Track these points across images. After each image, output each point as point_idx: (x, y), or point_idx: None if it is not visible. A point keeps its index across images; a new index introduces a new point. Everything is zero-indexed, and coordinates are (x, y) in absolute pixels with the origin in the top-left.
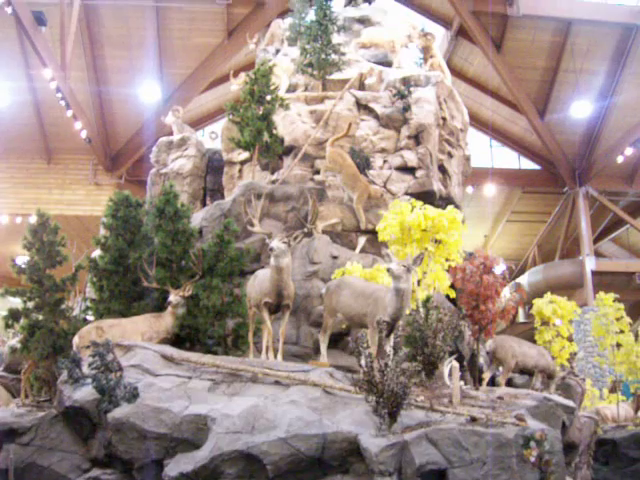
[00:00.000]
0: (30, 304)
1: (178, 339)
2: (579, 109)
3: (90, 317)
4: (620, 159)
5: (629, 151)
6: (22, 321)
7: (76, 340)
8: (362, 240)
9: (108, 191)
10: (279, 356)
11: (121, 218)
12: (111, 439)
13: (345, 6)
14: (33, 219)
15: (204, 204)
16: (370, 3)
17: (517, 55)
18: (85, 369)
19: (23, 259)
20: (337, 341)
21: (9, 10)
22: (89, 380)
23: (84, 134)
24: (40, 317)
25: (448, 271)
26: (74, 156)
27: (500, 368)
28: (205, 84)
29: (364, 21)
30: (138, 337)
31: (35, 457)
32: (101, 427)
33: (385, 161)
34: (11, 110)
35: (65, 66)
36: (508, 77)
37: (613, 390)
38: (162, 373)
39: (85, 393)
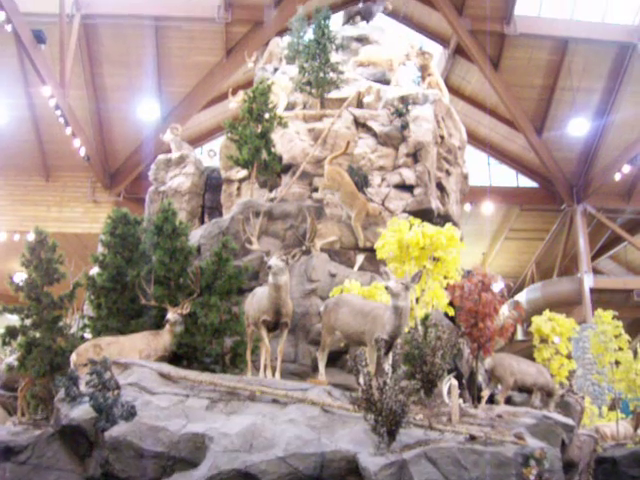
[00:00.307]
0: (28, 321)
1: (176, 357)
2: (576, 127)
3: (88, 335)
4: (618, 176)
5: (627, 168)
6: (19, 338)
7: (74, 358)
8: (360, 258)
9: (106, 209)
10: (277, 374)
11: (119, 236)
12: (108, 458)
13: (343, 25)
14: (31, 236)
15: (202, 222)
16: (368, 22)
17: (514, 73)
18: (82, 387)
19: (21, 276)
20: (335, 359)
21: (9, 28)
22: (86, 398)
23: (83, 152)
24: (37, 334)
25: (446, 289)
26: (72, 173)
27: (499, 386)
28: (204, 102)
29: (362, 40)
30: (136, 355)
31: (31, 476)
32: (98, 446)
33: (383, 179)
34: (10, 127)
35: (64, 84)
36: (505, 95)
37: (612, 408)
38: (160, 391)
39: (82, 411)
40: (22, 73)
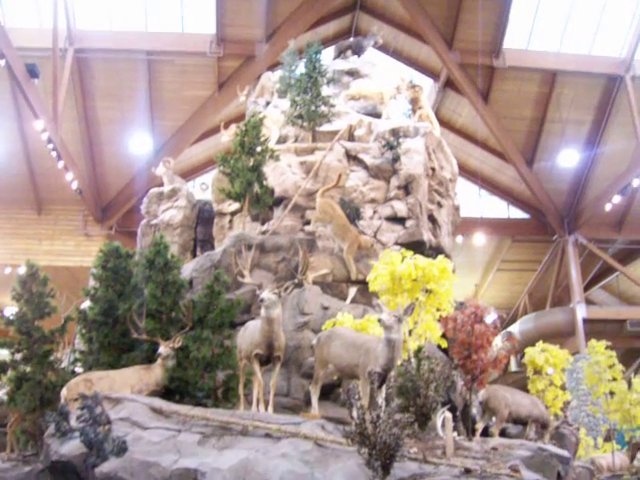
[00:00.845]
0: (18, 356)
1: (168, 391)
2: (566, 158)
3: (79, 369)
4: (608, 207)
5: (617, 199)
6: (9, 373)
7: (64, 392)
8: (353, 290)
9: (98, 242)
10: (270, 408)
11: (111, 269)
12: None
13: (334, 59)
14: (22, 270)
15: (194, 255)
16: (359, 56)
17: (504, 106)
18: (73, 422)
19: (12, 310)
20: (328, 392)
21: (2, 62)
22: (77, 433)
23: (75, 185)
24: (28, 369)
25: (439, 321)
26: (64, 207)
27: (493, 418)
28: (196, 136)
29: (353, 73)
30: (127, 389)
31: None
32: None
33: (375, 211)
34: (2, 160)
35: (57, 117)
36: (496, 127)
37: (608, 439)
38: (151, 426)
39: (72, 447)
40: (15, 107)
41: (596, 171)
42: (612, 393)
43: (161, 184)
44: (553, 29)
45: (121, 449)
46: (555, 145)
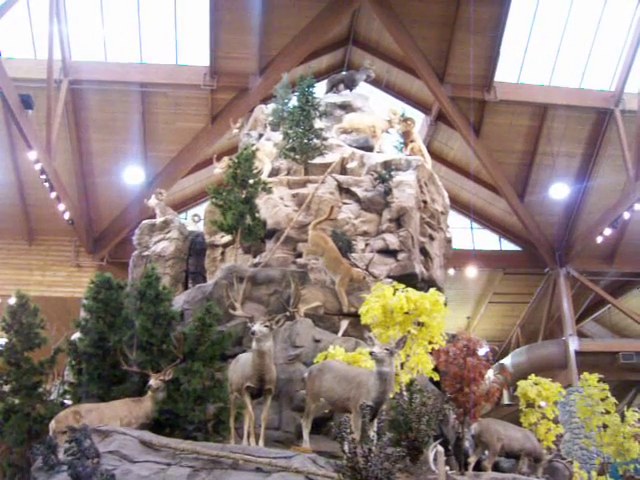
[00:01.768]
0: (6, 387)
1: (158, 424)
2: (557, 191)
3: (68, 401)
4: (599, 239)
5: (608, 231)
6: None
7: (53, 425)
8: (344, 323)
9: (90, 273)
10: (261, 442)
11: (102, 300)
12: None
13: (327, 92)
14: (12, 300)
15: (186, 287)
16: (351, 89)
17: (496, 139)
18: (61, 455)
19: (1, 341)
20: (320, 426)
21: None
22: (65, 467)
23: (67, 215)
24: (16, 401)
25: (431, 354)
26: (56, 237)
27: (486, 452)
28: (188, 167)
29: (346, 107)
30: (117, 422)
31: None
32: None
33: (367, 244)
34: None
35: (50, 149)
36: (487, 161)
37: (601, 472)
38: (140, 459)
39: None
40: (8, 137)
41: (587, 204)
42: (605, 426)
43: (153, 216)
44: (544, 63)
45: None
46: (546, 178)
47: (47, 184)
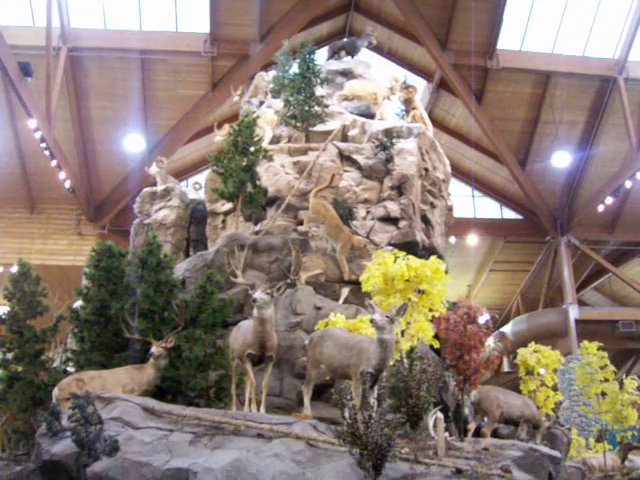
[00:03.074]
0: (9, 355)
1: (160, 391)
2: (559, 159)
3: (71, 369)
4: (601, 208)
5: (609, 200)
6: (1, 372)
7: (56, 392)
8: (345, 291)
9: (91, 241)
10: (262, 408)
11: (103, 268)
12: None
13: (328, 59)
14: (14, 269)
15: (187, 255)
16: (353, 56)
17: (498, 107)
18: (64, 422)
19: (3, 309)
20: (321, 393)
21: None
22: (68, 433)
23: (68, 184)
24: (19, 368)
25: (432, 321)
26: (57, 206)
27: (485, 419)
28: (189, 135)
29: (347, 74)
30: (119, 389)
31: None
32: None
33: (368, 212)
34: None
35: (50, 116)
36: (489, 128)
37: (599, 439)
38: (143, 426)
39: (64, 447)
40: (8, 106)
41: (589, 172)
42: (604, 394)
43: (154, 183)
44: (547, 30)
45: (113, 449)
46: (548, 146)
47: (47, 152)
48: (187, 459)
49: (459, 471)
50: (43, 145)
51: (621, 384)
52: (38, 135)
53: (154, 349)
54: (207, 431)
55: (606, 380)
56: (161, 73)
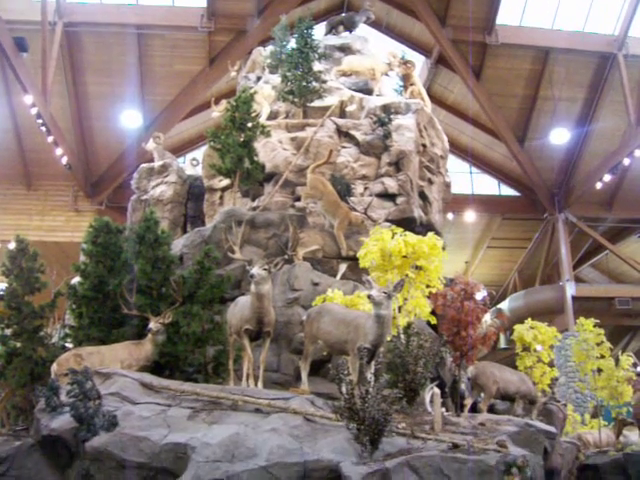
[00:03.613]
0: (8, 331)
1: (158, 367)
2: (558, 136)
3: (69, 344)
4: (599, 185)
5: (607, 177)
6: None
7: (54, 368)
8: (343, 267)
9: (88, 217)
10: (260, 383)
11: (101, 245)
12: (89, 468)
13: (326, 34)
14: (12, 245)
15: (185, 231)
16: (351, 31)
17: (496, 83)
18: (63, 397)
19: (1, 286)
20: (318, 368)
21: None
22: (67, 408)
23: (65, 160)
24: (18, 344)
25: (429, 297)
26: (54, 182)
27: (481, 394)
28: (186, 111)
29: (345, 49)
30: (117, 365)
31: None
32: (79, 456)
33: (366, 188)
34: None
35: (46, 92)
36: (487, 105)
37: (595, 415)
38: (141, 401)
39: (63, 422)
40: (3, 81)
41: (587, 149)
42: (600, 370)
43: (151, 159)
44: (546, 6)
45: (111, 424)
46: (547, 123)
47: (44, 128)
48: (185, 434)
49: (455, 446)
50: (39, 121)
51: (617, 361)
52: (34, 111)
53: (152, 325)
54: (205, 406)
55: (602, 357)
56: (158, 48)
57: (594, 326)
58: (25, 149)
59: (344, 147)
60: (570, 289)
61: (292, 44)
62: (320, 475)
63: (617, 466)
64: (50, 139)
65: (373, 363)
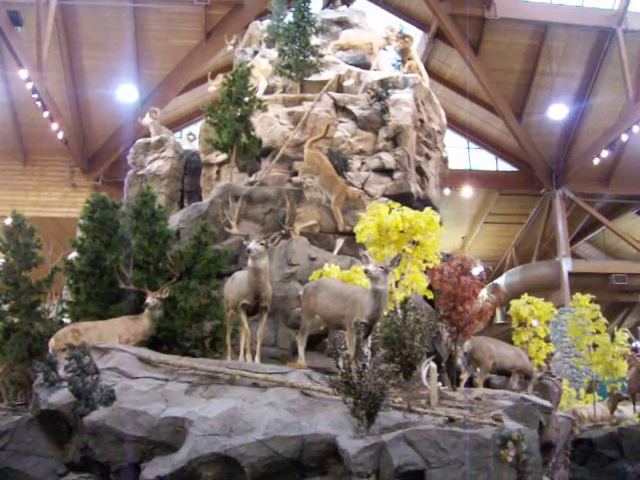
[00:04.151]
0: (5, 307)
1: (155, 341)
2: (556, 112)
3: (66, 320)
4: (596, 161)
5: (605, 153)
6: None
7: (52, 343)
8: (340, 242)
9: (85, 193)
10: (257, 358)
11: (98, 220)
12: (87, 443)
13: (323, 8)
14: (8, 221)
15: (182, 206)
16: (348, 5)
17: (494, 58)
18: (61, 372)
19: None
20: (315, 343)
21: None
22: (65, 383)
23: (61, 135)
24: (15, 320)
25: (426, 272)
26: (51, 157)
27: (478, 369)
28: (183, 85)
29: (342, 23)
30: (115, 340)
31: (10, 461)
32: (77, 431)
33: (363, 163)
34: None
35: (41, 67)
36: (485, 80)
37: (590, 390)
38: (139, 376)
39: (61, 396)
40: None
41: (585, 125)
42: (595, 345)
43: (148, 134)
44: None
45: (109, 398)
46: (545, 98)
47: (39, 103)
48: (183, 408)
49: (451, 420)
50: (35, 96)
51: (612, 336)
52: (29, 86)
53: (149, 300)
54: (202, 381)
55: (597, 332)
56: (154, 22)
57: (590, 302)
58: (21, 124)
59: (341, 122)
60: (567, 265)
61: (289, 18)
62: (317, 449)
63: (611, 440)
64: (46, 114)
65: (370, 338)
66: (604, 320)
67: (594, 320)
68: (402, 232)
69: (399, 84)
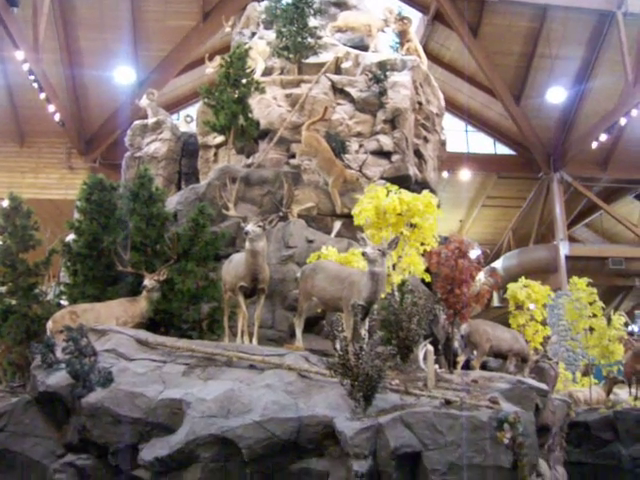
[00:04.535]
0: (3, 289)
1: (153, 323)
2: (554, 95)
3: (64, 302)
4: (594, 145)
5: (603, 137)
6: None
7: (50, 325)
8: (337, 224)
9: (82, 175)
10: (254, 340)
11: (95, 202)
12: (85, 424)
13: None
14: (6, 203)
15: (179, 188)
16: None
17: (493, 40)
18: (59, 354)
19: None
20: (312, 325)
21: None
22: (63, 365)
23: (57, 117)
24: (13, 302)
25: (423, 255)
26: (48, 139)
27: (474, 352)
28: (180, 67)
29: (341, 4)
30: (112, 321)
31: (8, 443)
32: (75, 412)
33: (361, 145)
34: None
35: (38, 48)
36: (484, 62)
37: (586, 373)
38: (137, 357)
39: (59, 378)
40: None
41: (583, 108)
42: (592, 329)
43: (145, 116)
44: None
45: (107, 380)
46: (543, 81)
47: (36, 85)
48: (180, 390)
49: (448, 402)
50: (31, 77)
51: (609, 320)
52: (26, 67)
53: (147, 282)
54: (200, 362)
55: (594, 316)
56: (151, 3)
57: (587, 285)
58: (17, 106)
59: (339, 104)
60: (564, 248)
61: None
62: (314, 430)
63: (607, 423)
64: (42, 96)
65: (367, 320)
66: (601, 304)
67: (591, 304)
68: (400, 215)
69: (397, 66)
